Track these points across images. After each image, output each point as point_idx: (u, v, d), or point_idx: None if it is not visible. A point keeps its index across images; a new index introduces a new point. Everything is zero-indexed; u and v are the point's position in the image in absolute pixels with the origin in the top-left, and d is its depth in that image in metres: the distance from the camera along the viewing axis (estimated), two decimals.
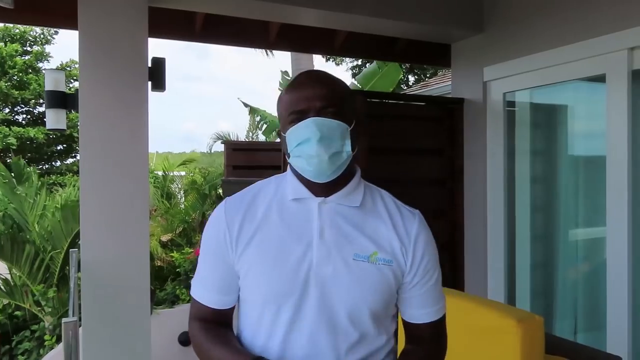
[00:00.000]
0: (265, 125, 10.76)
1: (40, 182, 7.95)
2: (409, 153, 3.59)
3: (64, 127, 2.70)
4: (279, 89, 10.63)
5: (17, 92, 16.57)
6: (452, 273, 3.65)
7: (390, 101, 4.14)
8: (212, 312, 1.25)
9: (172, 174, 9.26)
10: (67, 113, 2.85)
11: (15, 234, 6.49)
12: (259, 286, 1.18)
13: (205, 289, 1.25)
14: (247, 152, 7.07)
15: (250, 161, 6.90)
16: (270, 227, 1.19)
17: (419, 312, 1.26)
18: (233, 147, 7.07)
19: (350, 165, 1.21)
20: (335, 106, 1.15)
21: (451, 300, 1.48)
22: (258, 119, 11.13)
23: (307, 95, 1.14)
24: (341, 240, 1.17)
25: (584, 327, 3.23)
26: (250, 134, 12.43)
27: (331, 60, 18.20)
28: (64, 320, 1.74)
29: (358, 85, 8.74)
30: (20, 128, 16.31)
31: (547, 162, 3.50)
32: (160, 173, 9.09)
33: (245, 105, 10.84)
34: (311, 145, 1.12)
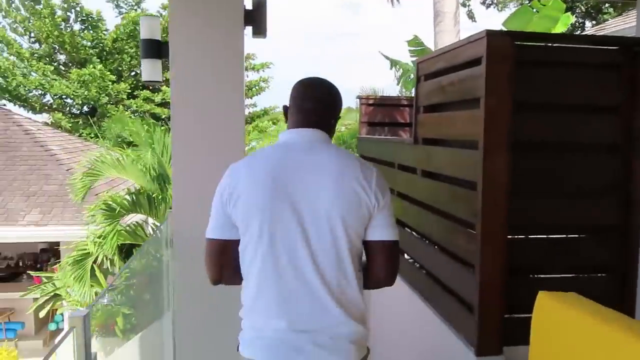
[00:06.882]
0: (410, 77, 10.34)
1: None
2: (569, 110, 2.76)
3: (159, 78, 2.49)
4: (409, 50, 10.20)
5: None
6: (621, 280, 2.39)
7: (549, 44, 3.32)
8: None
9: None
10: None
11: (159, 188, 6.79)
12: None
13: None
14: (382, 107, 6.60)
15: (386, 117, 6.43)
16: None
17: None
18: (368, 103, 6.65)
19: None
20: None
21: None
22: (400, 72, 10.71)
23: None
24: None
25: None
26: (397, 88, 12.08)
27: (492, 6, 16.67)
28: (71, 314, 1.51)
29: (505, 29, 7.79)
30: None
31: None
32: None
33: (387, 57, 10.51)
34: None
